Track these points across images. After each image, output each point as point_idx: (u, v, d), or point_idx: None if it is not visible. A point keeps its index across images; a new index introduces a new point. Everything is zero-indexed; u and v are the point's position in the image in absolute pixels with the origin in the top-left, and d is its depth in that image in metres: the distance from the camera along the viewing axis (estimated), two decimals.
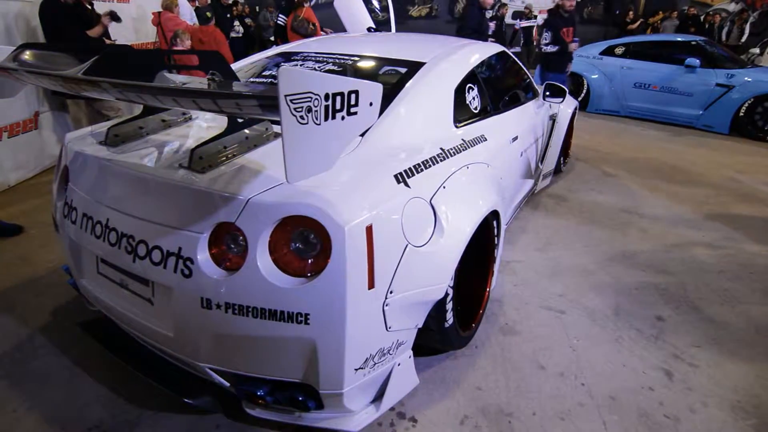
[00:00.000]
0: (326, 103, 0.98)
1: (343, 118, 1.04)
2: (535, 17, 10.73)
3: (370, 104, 1.13)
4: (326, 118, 0.99)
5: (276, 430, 1.68)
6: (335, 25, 5.23)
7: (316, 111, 0.96)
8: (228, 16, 7.54)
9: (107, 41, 4.34)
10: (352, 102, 1.06)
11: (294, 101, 0.90)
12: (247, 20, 9.18)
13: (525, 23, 10.66)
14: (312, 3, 7.23)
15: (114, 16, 4.19)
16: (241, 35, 8.59)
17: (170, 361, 1.68)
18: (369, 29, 4.69)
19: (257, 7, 11.05)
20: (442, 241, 1.62)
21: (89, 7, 4.05)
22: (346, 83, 1.04)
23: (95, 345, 1.85)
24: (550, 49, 5.16)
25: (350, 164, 1.51)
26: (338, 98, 1.01)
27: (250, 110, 1.01)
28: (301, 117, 0.93)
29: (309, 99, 0.93)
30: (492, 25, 5.62)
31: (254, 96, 0.95)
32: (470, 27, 5.56)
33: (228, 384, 1.54)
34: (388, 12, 5.97)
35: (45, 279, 2.59)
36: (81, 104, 4.14)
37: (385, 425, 1.72)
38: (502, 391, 1.89)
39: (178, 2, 5.54)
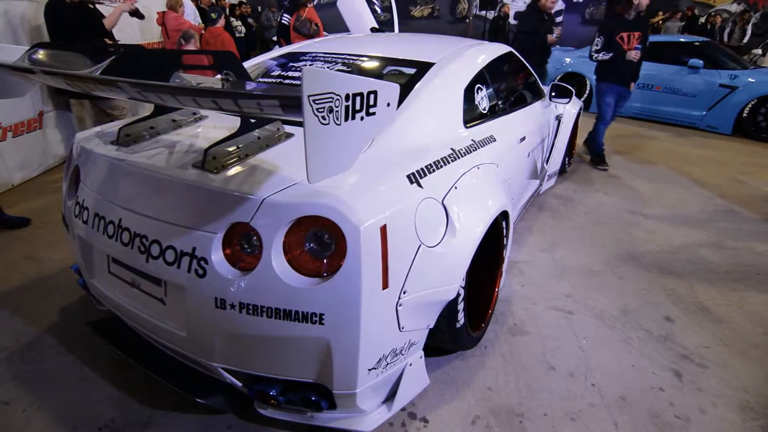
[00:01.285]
0: (347, 104, 0.98)
1: (362, 118, 1.04)
2: None
3: (388, 105, 1.13)
4: (346, 119, 0.99)
5: (288, 430, 1.68)
6: (339, 25, 5.23)
7: (337, 111, 0.96)
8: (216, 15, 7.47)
9: (109, 42, 4.34)
10: (371, 102, 1.06)
11: (316, 101, 0.90)
12: (250, 20, 9.18)
13: None
14: (314, 3, 7.23)
15: (137, 14, 4.24)
16: (243, 35, 8.61)
17: (181, 361, 1.68)
18: (372, 29, 4.69)
19: (259, 8, 11.07)
20: (455, 242, 1.62)
21: (91, 6, 4.05)
22: (366, 84, 1.04)
23: (104, 345, 1.85)
24: (602, 56, 4.44)
25: (363, 164, 1.51)
26: (358, 99, 1.01)
27: (271, 110, 1.01)
28: (323, 117, 0.93)
29: (330, 99, 0.93)
30: (557, 30, 4.93)
31: (277, 96, 0.95)
32: (523, 30, 5.05)
33: (240, 384, 1.54)
34: (390, 12, 5.97)
35: (53, 278, 2.59)
36: (85, 104, 4.14)
37: (396, 425, 1.72)
38: (513, 392, 1.89)
39: (183, 2, 5.55)
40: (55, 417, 1.73)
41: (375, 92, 1.07)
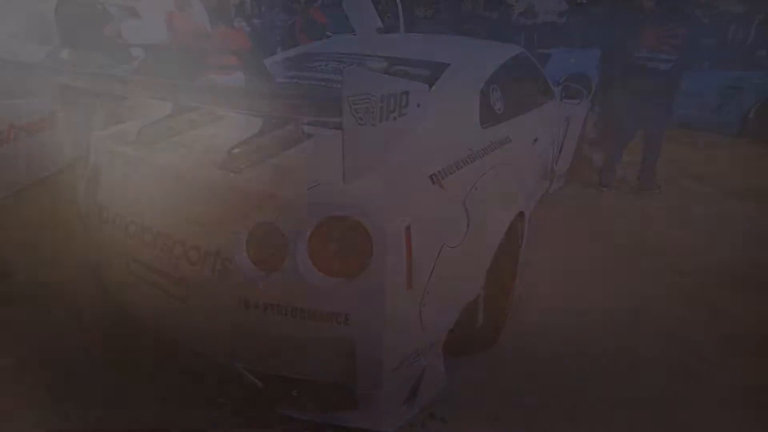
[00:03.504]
0: (381, 105, 0.99)
1: (395, 119, 1.05)
2: None
3: (418, 105, 1.14)
4: (380, 119, 1.00)
5: (308, 430, 1.68)
6: (343, 25, 5.22)
7: (373, 112, 0.96)
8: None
9: (120, 41, 4.35)
10: (403, 103, 1.07)
11: (354, 102, 0.91)
12: (255, 21, 9.19)
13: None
14: (318, 3, 7.23)
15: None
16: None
17: (201, 360, 1.68)
18: (378, 30, 4.68)
19: (263, 8, 11.07)
20: (475, 242, 1.62)
21: (100, 7, 4.06)
22: (399, 84, 1.05)
23: (122, 345, 1.85)
24: None
25: (387, 165, 1.51)
26: (391, 99, 1.02)
27: (305, 111, 1.02)
28: (360, 118, 0.93)
29: (367, 100, 0.94)
30: None
31: (314, 97, 0.95)
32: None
33: (262, 384, 1.54)
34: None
35: (65, 278, 2.59)
36: (95, 104, 4.14)
37: (416, 426, 1.72)
38: (532, 392, 1.89)
39: (191, 2, 5.55)
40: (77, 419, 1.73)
41: (407, 93, 1.07)
